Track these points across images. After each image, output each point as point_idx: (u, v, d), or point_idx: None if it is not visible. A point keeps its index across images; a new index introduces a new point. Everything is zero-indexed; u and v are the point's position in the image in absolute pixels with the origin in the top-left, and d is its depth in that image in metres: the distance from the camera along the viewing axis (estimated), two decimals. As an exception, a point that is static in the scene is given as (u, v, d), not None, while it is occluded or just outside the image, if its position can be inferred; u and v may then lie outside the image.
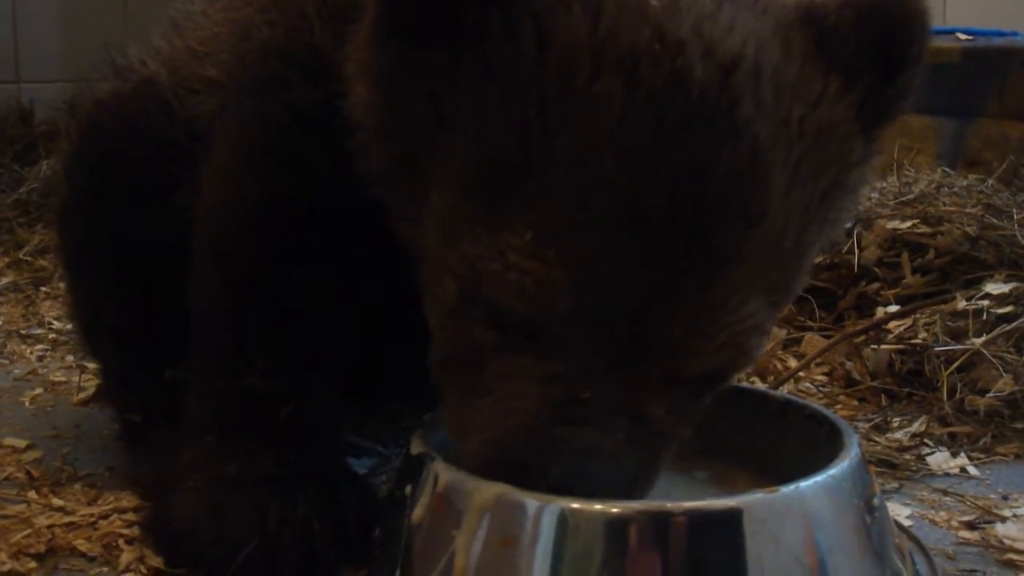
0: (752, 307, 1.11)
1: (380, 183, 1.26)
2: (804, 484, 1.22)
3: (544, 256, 1.06)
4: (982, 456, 1.84)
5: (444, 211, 1.14)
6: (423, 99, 1.13)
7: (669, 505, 1.16)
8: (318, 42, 1.38)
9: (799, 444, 1.47)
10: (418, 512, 1.26)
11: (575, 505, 1.14)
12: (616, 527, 1.14)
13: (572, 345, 1.10)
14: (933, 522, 1.58)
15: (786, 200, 1.10)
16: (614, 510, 1.14)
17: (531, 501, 1.15)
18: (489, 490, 1.18)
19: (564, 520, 1.14)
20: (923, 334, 2.12)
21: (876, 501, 1.30)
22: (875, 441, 1.86)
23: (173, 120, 1.58)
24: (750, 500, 1.18)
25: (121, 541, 1.49)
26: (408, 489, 1.30)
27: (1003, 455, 1.85)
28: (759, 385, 2.11)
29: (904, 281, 2.35)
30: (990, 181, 2.80)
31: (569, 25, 1.07)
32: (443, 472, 1.25)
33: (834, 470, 1.27)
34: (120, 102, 1.69)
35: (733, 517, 1.16)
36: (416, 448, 1.32)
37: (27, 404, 2.12)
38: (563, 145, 1.05)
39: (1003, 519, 1.57)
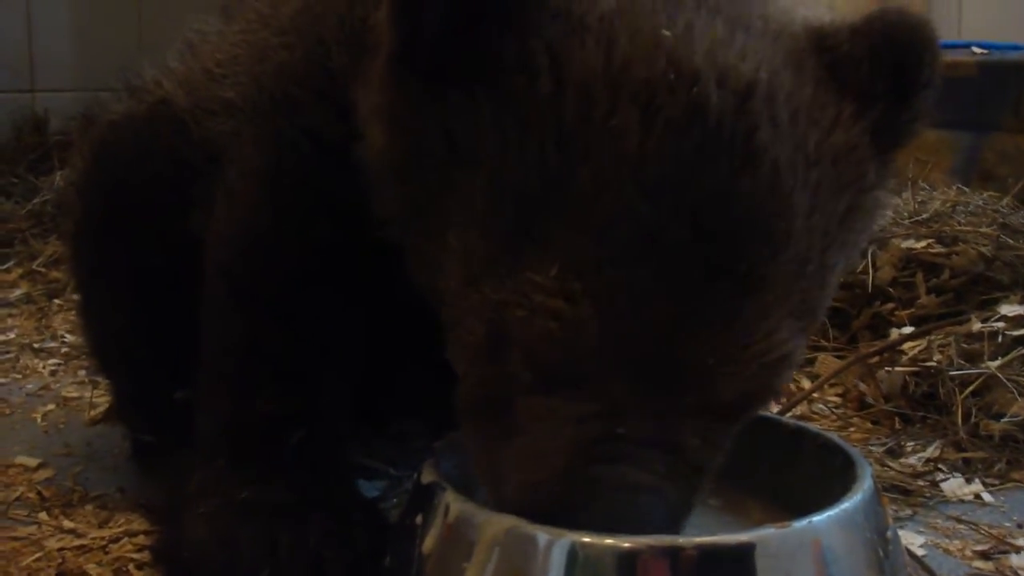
0: (781, 333, 1.11)
1: (396, 226, 1.25)
2: (817, 519, 1.21)
3: (570, 291, 1.05)
4: (997, 482, 1.83)
5: (464, 253, 1.13)
6: (439, 137, 1.13)
7: (680, 539, 1.15)
8: (335, 66, 1.37)
9: (812, 473, 1.46)
10: (429, 542, 1.26)
11: (585, 539, 1.13)
12: (626, 561, 1.13)
13: (603, 381, 1.08)
14: (947, 551, 1.57)
15: (808, 224, 1.09)
16: (625, 544, 1.13)
17: (542, 534, 1.14)
18: (500, 523, 1.17)
19: (574, 553, 1.13)
20: (937, 356, 2.11)
21: (890, 534, 1.29)
22: (888, 466, 1.85)
23: (189, 141, 1.58)
24: (762, 535, 1.17)
25: (131, 566, 1.49)
26: (419, 518, 1.29)
27: (1018, 481, 1.84)
28: (772, 406, 2.10)
29: (919, 302, 2.34)
30: (1005, 200, 2.79)
31: (584, 58, 1.06)
32: (454, 503, 1.24)
33: (847, 503, 1.26)
34: (135, 123, 1.69)
35: (745, 552, 1.15)
36: (427, 477, 1.32)
37: (39, 420, 2.13)
38: (583, 178, 1.04)
39: (1017, 549, 1.56)
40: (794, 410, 2.09)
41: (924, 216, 2.59)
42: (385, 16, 1.16)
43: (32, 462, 1.87)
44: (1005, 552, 1.56)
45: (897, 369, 2.12)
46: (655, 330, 1.05)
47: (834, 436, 1.51)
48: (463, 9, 1.09)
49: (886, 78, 1.15)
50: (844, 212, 1.14)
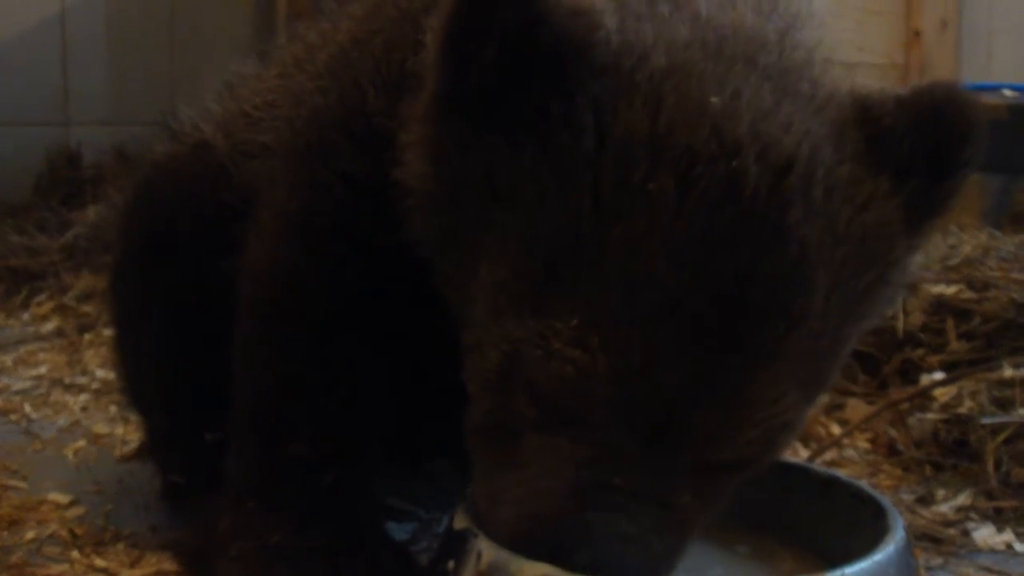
0: (786, 402, 1.12)
1: (428, 248, 1.27)
2: (849, 570, 1.22)
3: (588, 344, 1.07)
4: (1028, 532, 1.82)
5: (493, 286, 1.16)
6: (480, 176, 1.15)
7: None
8: (371, 111, 1.38)
9: (843, 522, 1.46)
10: (460, 588, 1.26)
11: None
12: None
13: (607, 431, 1.11)
14: (978, 602, 1.57)
15: (827, 301, 1.11)
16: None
17: (575, 584, 1.15)
18: (532, 570, 1.18)
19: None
20: (968, 403, 2.10)
21: (922, 586, 1.29)
22: (919, 515, 1.84)
23: (229, 184, 1.60)
24: (796, 586, 1.17)
25: (163, 607, 1.50)
26: (451, 564, 1.30)
27: (1050, 531, 1.83)
28: (802, 451, 2.09)
29: (949, 347, 2.34)
30: (1036, 245, 2.78)
31: (629, 119, 1.08)
32: (487, 550, 1.24)
33: (879, 555, 1.26)
34: (176, 165, 1.71)
35: (778, 604, 1.16)
36: (460, 523, 1.32)
37: (70, 457, 2.14)
38: (615, 238, 1.06)
39: (1050, 601, 1.55)
40: (824, 456, 2.08)
41: (955, 261, 2.58)
42: (433, 58, 1.18)
43: (64, 499, 1.88)
44: (1037, 604, 1.55)
45: (928, 416, 2.11)
46: (664, 392, 1.08)
47: (866, 485, 1.51)
48: (512, 61, 1.10)
49: (925, 154, 1.15)
50: (868, 286, 1.15)
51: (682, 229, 1.05)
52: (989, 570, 1.67)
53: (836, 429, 2.22)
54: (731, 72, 1.12)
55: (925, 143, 1.15)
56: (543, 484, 1.14)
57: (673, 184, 1.05)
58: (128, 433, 2.18)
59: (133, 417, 2.08)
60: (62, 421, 2.36)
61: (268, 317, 1.49)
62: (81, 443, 2.21)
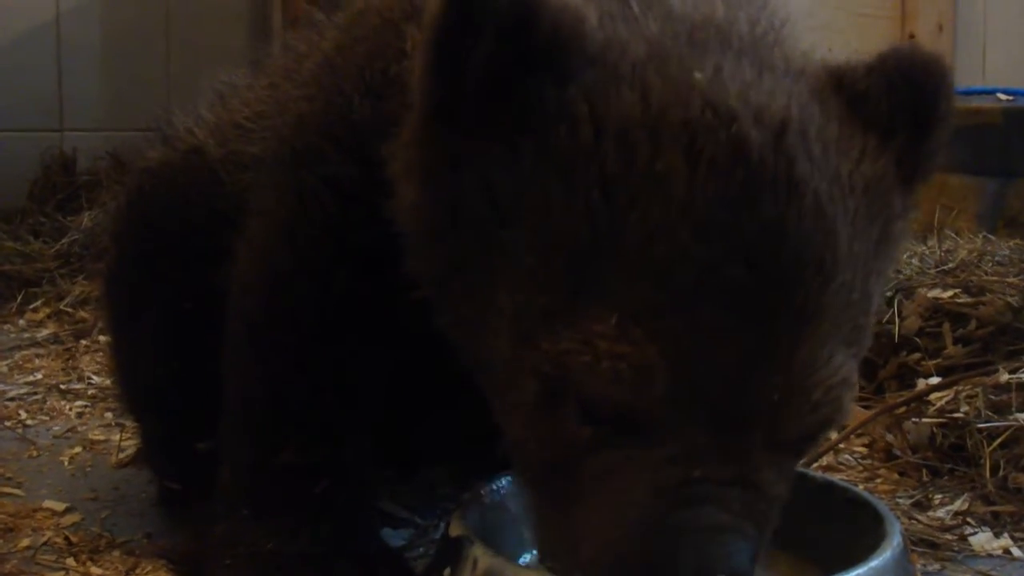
0: (838, 360, 1.11)
1: (432, 287, 1.25)
2: (846, 576, 1.21)
3: (633, 337, 1.04)
4: (1026, 537, 1.81)
5: (514, 310, 1.12)
6: (479, 194, 1.13)
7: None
8: (356, 117, 1.38)
9: (840, 527, 1.46)
10: (457, 596, 1.26)
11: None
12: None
13: (674, 426, 1.07)
14: (976, 607, 1.56)
15: (851, 251, 1.11)
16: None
17: (571, 590, 1.14)
18: (528, 577, 1.18)
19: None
20: (965, 407, 2.10)
21: (919, 592, 1.29)
22: (916, 520, 1.84)
23: (222, 191, 1.59)
24: (793, 593, 1.17)
25: (158, 614, 1.49)
26: (447, 571, 1.30)
27: (1047, 535, 1.82)
28: (798, 457, 2.09)
29: (945, 352, 2.33)
30: (1033, 249, 2.78)
31: (621, 104, 1.08)
32: (482, 557, 1.25)
33: (876, 561, 1.26)
34: (169, 171, 1.70)
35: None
36: (455, 530, 1.32)
37: (66, 464, 2.13)
38: (634, 224, 1.05)
39: (1047, 606, 1.55)
40: (821, 460, 2.08)
41: (950, 265, 2.59)
42: (420, 74, 1.16)
43: (59, 506, 1.87)
44: (1035, 609, 1.55)
45: (924, 420, 2.11)
46: (721, 369, 1.05)
47: (863, 491, 1.50)
48: (508, 53, 1.09)
49: (904, 113, 1.18)
50: (877, 240, 1.16)
51: (700, 200, 1.04)
52: (987, 575, 1.67)
53: (832, 434, 2.21)
54: (707, 52, 1.13)
55: (902, 102, 1.17)
56: (620, 502, 1.09)
57: (680, 160, 1.05)
58: (124, 440, 2.17)
59: (129, 423, 2.08)
60: (58, 427, 2.36)
61: (257, 325, 1.49)
62: (77, 450, 2.20)
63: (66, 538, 1.74)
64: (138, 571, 1.61)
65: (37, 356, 2.93)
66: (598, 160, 1.07)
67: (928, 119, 1.19)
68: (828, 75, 1.18)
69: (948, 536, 1.79)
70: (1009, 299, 2.39)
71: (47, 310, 3.33)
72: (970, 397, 2.12)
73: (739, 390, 1.06)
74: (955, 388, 2.16)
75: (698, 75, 1.09)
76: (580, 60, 1.10)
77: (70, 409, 2.49)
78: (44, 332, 3.14)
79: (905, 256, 2.74)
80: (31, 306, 3.37)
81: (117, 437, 2.21)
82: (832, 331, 1.10)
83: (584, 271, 1.07)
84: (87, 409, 2.50)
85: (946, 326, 2.38)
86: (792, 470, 1.19)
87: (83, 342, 3.04)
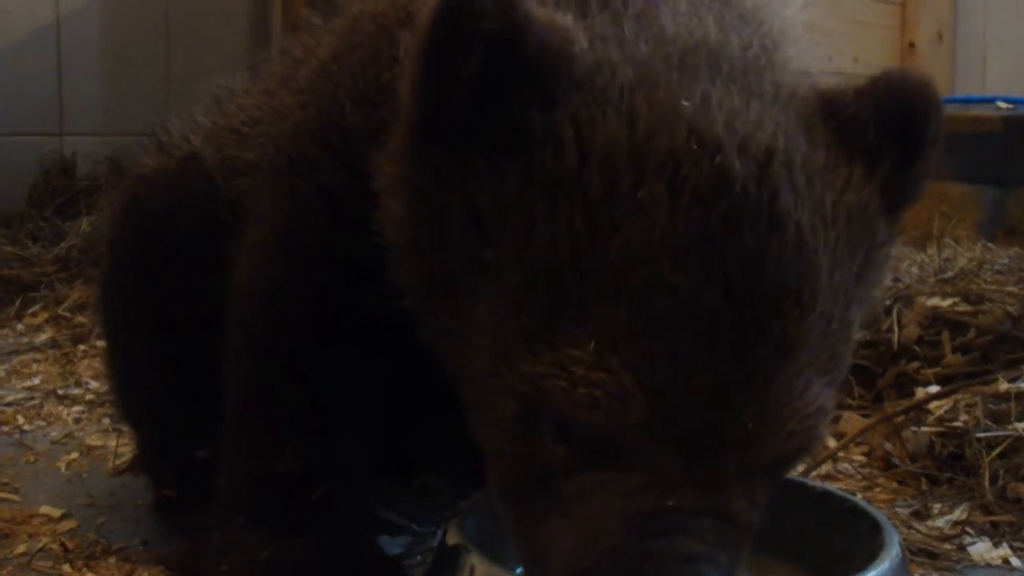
0: (814, 390, 1.11)
1: (416, 299, 1.24)
2: (844, 587, 1.21)
3: (610, 364, 1.04)
4: (1025, 546, 1.81)
5: (495, 329, 1.12)
6: (464, 211, 1.13)
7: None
8: (348, 125, 1.38)
9: (839, 537, 1.46)
10: (453, 604, 1.26)
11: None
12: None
13: (648, 452, 1.07)
14: (974, 618, 1.56)
15: (831, 282, 1.10)
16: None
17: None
18: (526, 586, 1.17)
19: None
20: (964, 416, 2.09)
21: (918, 603, 1.28)
22: (915, 529, 1.83)
23: (218, 198, 1.59)
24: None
25: (154, 621, 1.49)
26: (444, 580, 1.29)
27: (1046, 545, 1.82)
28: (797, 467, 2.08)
29: (944, 360, 2.33)
30: (1032, 257, 2.78)
31: (607, 130, 1.07)
32: (479, 565, 1.24)
33: (874, 572, 1.26)
34: (165, 178, 1.70)
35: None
36: (452, 538, 1.32)
37: (63, 469, 2.13)
38: (615, 251, 1.05)
39: (1046, 617, 1.55)
40: (819, 469, 2.08)
41: (950, 274, 2.58)
42: (408, 87, 1.16)
43: (56, 512, 1.87)
44: (1033, 620, 1.54)
45: (923, 429, 2.10)
46: (695, 397, 1.05)
47: (861, 500, 1.50)
48: (495, 72, 1.09)
49: (891, 138, 1.17)
50: (859, 269, 1.16)
51: (680, 230, 1.04)
52: (985, 586, 1.67)
53: (831, 442, 2.21)
54: (696, 79, 1.12)
55: (890, 128, 1.17)
56: (593, 527, 1.09)
57: (663, 189, 1.04)
58: (121, 446, 2.17)
59: (126, 430, 2.07)
60: (55, 433, 2.35)
61: (254, 333, 1.49)
62: (74, 455, 2.20)
63: (62, 544, 1.73)
64: (134, 578, 1.61)
65: (35, 361, 2.92)
66: (582, 185, 1.06)
67: (916, 144, 1.19)
68: (818, 100, 1.18)
69: (947, 546, 1.79)
70: (1008, 308, 2.38)
71: (45, 315, 3.32)
72: (969, 406, 2.12)
73: (714, 419, 1.06)
74: (954, 397, 2.16)
75: (685, 103, 1.09)
76: (567, 83, 1.09)
77: (67, 414, 2.48)
78: (42, 337, 3.13)
79: (904, 264, 2.74)
80: (29, 311, 3.36)
81: (114, 443, 2.20)
82: (809, 361, 1.10)
83: (565, 294, 1.07)
84: (84, 414, 2.49)
85: (945, 335, 2.38)
86: (765, 495, 1.18)
87: (81, 347, 3.03)
